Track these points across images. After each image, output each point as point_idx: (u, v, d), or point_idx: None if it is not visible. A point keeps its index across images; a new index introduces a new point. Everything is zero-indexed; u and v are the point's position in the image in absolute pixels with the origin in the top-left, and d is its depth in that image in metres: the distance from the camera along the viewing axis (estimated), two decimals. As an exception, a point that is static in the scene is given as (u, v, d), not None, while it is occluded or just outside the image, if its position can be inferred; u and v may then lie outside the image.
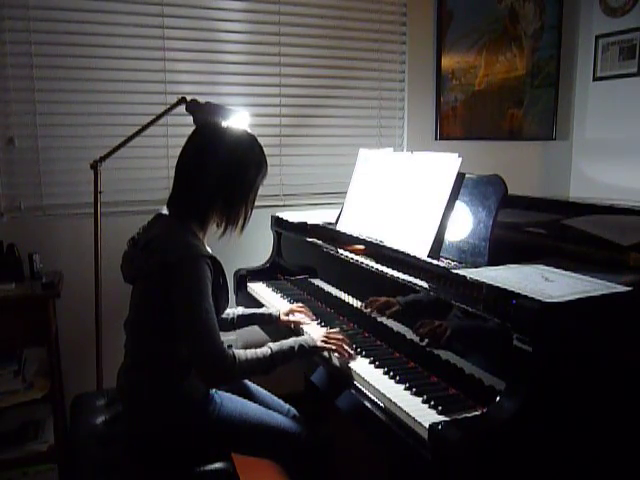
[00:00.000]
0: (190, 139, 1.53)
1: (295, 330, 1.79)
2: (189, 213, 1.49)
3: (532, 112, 3.31)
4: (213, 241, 1.53)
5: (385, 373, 1.42)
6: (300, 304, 1.91)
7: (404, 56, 2.95)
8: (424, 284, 1.45)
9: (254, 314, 1.83)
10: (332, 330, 1.62)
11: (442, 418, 1.15)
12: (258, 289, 2.25)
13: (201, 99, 2.12)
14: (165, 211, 1.52)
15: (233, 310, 1.80)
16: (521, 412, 1.07)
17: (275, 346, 1.48)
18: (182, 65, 2.52)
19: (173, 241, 1.42)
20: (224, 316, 1.74)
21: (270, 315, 1.83)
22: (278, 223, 2.37)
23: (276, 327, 1.85)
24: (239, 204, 1.52)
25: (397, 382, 1.36)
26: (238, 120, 2.12)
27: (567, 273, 1.34)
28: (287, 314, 1.83)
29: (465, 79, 3.09)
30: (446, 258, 1.53)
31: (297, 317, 1.82)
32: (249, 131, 1.58)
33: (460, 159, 1.59)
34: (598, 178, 3.31)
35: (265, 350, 1.45)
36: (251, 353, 1.42)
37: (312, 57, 2.76)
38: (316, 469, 1.59)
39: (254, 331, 2.00)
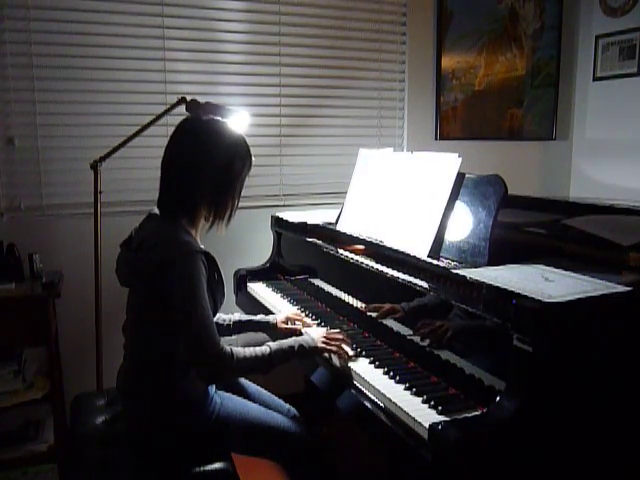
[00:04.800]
0: (173, 136, 1.51)
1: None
2: (178, 210, 1.47)
3: (532, 112, 3.31)
4: (213, 241, 1.52)
5: (385, 373, 1.42)
6: (297, 311, 1.89)
7: (404, 56, 2.95)
8: (424, 284, 1.45)
9: (250, 321, 1.80)
10: (332, 331, 1.62)
11: (442, 418, 1.15)
12: (258, 289, 2.25)
13: (201, 99, 2.12)
14: (156, 211, 1.51)
15: (229, 316, 1.78)
16: (521, 412, 1.07)
17: (274, 345, 1.47)
18: (182, 65, 2.52)
19: (165, 239, 1.41)
20: (220, 322, 1.73)
21: (267, 322, 1.79)
22: (278, 223, 2.37)
23: (273, 333, 1.84)
24: (226, 197, 1.51)
25: (397, 382, 1.36)
26: (238, 120, 2.12)
27: (567, 273, 1.34)
28: (284, 322, 1.80)
29: (465, 79, 3.09)
30: (446, 258, 1.53)
31: (294, 326, 1.79)
32: (228, 123, 1.55)
33: (460, 159, 1.59)
34: (598, 178, 3.31)
35: (264, 349, 1.45)
36: (250, 351, 1.42)
37: (312, 57, 2.76)
38: (316, 469, 1.59)
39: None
